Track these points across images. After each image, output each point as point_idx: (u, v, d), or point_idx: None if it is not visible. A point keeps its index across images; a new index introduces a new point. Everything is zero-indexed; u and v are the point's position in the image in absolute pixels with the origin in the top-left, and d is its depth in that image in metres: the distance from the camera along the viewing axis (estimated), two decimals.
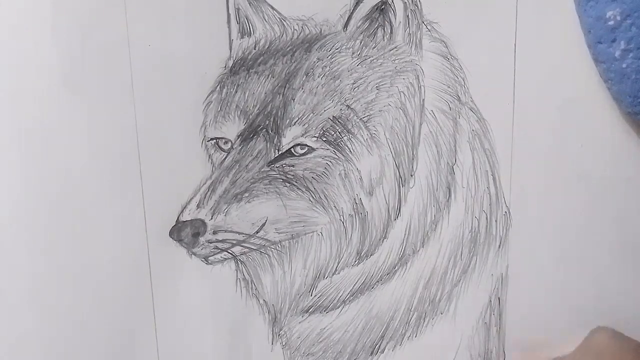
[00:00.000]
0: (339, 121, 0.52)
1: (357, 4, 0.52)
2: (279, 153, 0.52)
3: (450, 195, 0.54)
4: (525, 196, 0.55)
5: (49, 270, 0.56)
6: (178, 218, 0.53)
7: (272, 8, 0.53)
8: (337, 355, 0.57)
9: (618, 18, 0.47)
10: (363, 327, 0.57)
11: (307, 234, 0.54)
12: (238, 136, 0.53)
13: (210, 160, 0.54)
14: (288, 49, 0.53)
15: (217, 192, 0.52)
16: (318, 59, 0.52)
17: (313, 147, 0.52)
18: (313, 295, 0.56)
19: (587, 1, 0.48)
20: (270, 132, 0.52)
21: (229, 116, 0.53)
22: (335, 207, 0.53)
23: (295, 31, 0.53)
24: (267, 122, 0.52)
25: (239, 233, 0.53)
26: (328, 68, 0.52)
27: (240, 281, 0.57)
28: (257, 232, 0.53)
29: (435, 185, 0.54)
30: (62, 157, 0.54)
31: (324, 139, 0.52)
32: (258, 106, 0.52)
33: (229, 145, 0.53)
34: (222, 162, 0.53)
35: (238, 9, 0.53)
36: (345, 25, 0.52)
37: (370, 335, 0.57)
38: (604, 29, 0.48)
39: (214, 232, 0.52)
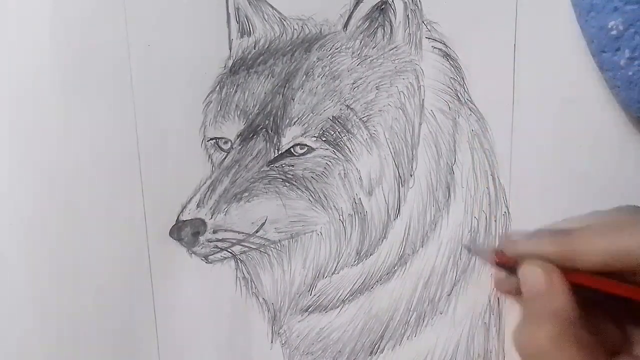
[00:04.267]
0: (338, 121, 0.52)
1: (357, 4, 0.52)
2: (279, 153, 0.52)
3: (449, 195, 0.54)
4: (525, 196, 0.54)
5: (49, 270, 0.56)
6: (178, 217, 0.53)
7: (272, 7, 0.53)
8: (337, 354, 0.57)
9: (621, 28, 0.46)
10: (362, 326, 0.57)
11: (307, 234, 0.54)
12: (238, 136, 0.53)
13: (210, 160, 0.54)
14: (288, 49, 0.53)
15: (217, 191, 0.52)
16: (318, 58, 0.52)
17: (313, 147, 0.52)
18: (312, 294, 0.56)
19: (588, 12, 0.47)
20: (270, 132, 0.52)
21: (228, 116, 0.53)
22: (334, 206, 0.53)
23: (295, 31, 0.53)
24: (267, 122, 0.52)
25: (239, 232, 0.53)
26: (328, 68, 0.52)
27: (240, 280, 0.57)
28: (256, 231, 0.53)
29: (435, 185, 0.54)
30: (61, 157, 0.54)
31: (324, 138, 0.52)
32: (258, 106, 0.52)
33: (229, 145, 0.53)
34: (222, 162, 0.53)
35: (238, 8, 0.53)
36: (345, 25, 0.52)
37: (370, 335, 0.57)
38: (607, 39, 0.47)
39: (214, 231, 0.52)
